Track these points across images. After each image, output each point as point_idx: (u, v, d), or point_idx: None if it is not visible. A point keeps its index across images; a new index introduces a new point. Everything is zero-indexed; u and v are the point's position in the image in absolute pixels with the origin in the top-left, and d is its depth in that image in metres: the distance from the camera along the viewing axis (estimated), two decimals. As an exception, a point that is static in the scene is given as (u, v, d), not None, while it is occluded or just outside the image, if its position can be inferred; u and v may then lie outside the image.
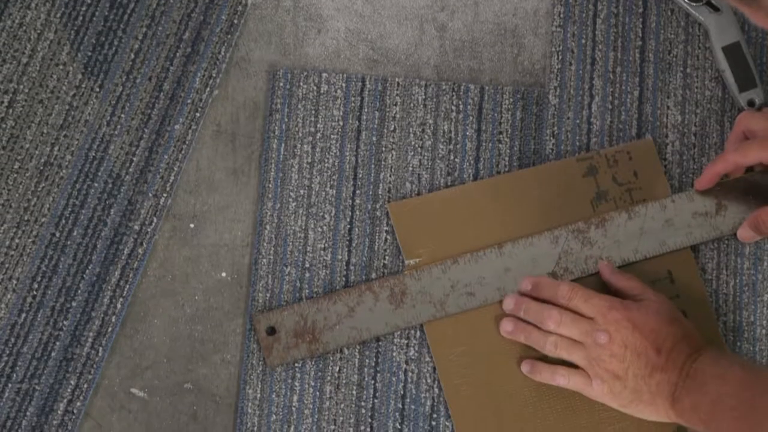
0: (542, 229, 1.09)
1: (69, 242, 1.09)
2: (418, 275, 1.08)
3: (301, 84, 1.12)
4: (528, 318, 1.04)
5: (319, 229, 1.10)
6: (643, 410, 1.00)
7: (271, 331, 1.07)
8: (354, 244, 1.10)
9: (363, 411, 1.07)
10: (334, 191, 1.11)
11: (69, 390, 1.06)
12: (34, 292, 1.08)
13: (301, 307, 1.07)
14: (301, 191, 1.11)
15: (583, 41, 1.14)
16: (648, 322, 1.00)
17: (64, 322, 1.07)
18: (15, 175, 1.10)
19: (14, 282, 1.08)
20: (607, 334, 0.99)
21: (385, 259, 1.09)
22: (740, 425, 0.92)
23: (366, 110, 1.12)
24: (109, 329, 1.07)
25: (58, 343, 1.07)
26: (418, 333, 1.08)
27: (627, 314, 1.00)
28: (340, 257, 1.09)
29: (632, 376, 0.99)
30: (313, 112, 1.12)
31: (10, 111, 1.11)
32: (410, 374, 1.07)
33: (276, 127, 1.12)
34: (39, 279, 1.08)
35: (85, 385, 1.06)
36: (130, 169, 1.10)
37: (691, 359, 0.98)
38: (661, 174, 1.11)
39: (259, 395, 1.07)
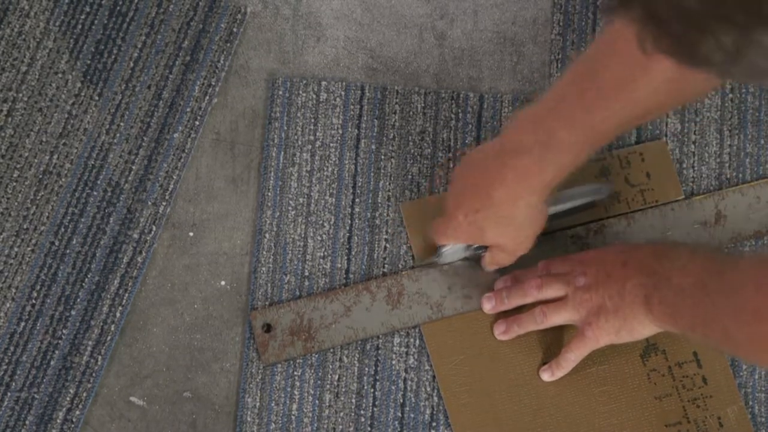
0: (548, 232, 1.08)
1: (68, 251, 1.09)
2: (416, 276, 1.08)
3: (301, 92, 1.12)
4: (511, 300, 1.05)
5: (319, 238, 1.10)
6: (633, 329, 1.00)
7: (268, 328, 1.07)
8: (353, 253, 1.10)
9: (362, 419, 1.07)
10: (334, 199, 1.11)
11: (68, 399, 1.06)
12: (33, 301, 1.08)
13: (298, 305, 1.07)
14: (301, 199, 1.10)
15: (583, 49, 1.14)
16: (613, 246, 1.04)
17: (64, 331, 1.07)
18: (14, 184, 1.10)
19: (13, 291, 1.08)
20: (584, 275, 1.01)
21: (384, 267, 1.09)
22: (696, 312, 0.93)
23: (365, 118, 1.12)
24: (109, 338, 1.07)
25: (57, 352, 1.07)
26: (418, 341, 1.08)
27: (594, 251, 1.04)
28: (339, 265, 1.09)
29: (608, 297, 1.00)
30: (313, 120, 1.12)
31: (9, 119, 1.11)
32: (410, 383, 1.07)
33: (275, 136, 1.12)
34: (38, 288, 1.08)
35: (84, 394, 1.06)
36: (130, 178, 1.10)
37: (655, 258, 0.99)
38: (673, 175, 1.11)
39: (258, 403, 1.07)
